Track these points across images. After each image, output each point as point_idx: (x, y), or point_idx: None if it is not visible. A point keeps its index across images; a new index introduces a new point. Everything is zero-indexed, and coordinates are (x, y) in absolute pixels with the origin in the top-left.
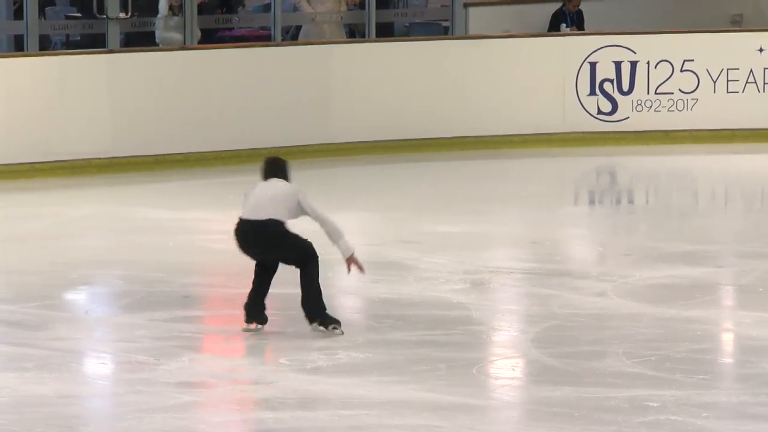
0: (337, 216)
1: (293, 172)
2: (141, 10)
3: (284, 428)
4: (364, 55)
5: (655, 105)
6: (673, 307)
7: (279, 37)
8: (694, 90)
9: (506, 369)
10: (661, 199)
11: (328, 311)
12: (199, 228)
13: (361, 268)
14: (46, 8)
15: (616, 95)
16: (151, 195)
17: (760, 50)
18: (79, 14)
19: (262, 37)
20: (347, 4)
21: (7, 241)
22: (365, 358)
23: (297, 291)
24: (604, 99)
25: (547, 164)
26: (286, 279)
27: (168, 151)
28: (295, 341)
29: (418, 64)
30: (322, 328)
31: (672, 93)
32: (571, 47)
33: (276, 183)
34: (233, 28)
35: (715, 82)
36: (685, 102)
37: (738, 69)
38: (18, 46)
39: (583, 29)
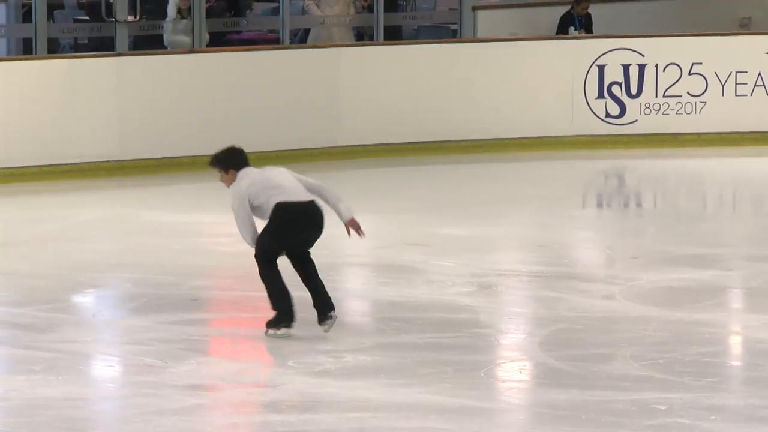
0: None
1: (303, 175)
2: (149, 13)
3: (291, 431)
4: (373, 58)
5: (663, 108)
6: (681, 310)
7: (287, 40)
8: (703, 93)
9: (514, 372)
10: (669, 202)
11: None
12: (207, 231)
13: (359, 231)
14: (55, 12)
15: (625, 98)
16: (159, 198)
17: None
18: (88, 17)
19: (270, 40)
20: (356, 8)
21: (16, 244)
22: (372, 360)
23: (302, 293)
24: (613, 102)
25: (555, 167)
26: (290, 281)
27: (176, 154)
28: (302, 344)
29: (426, 67)
30: (336, 314)
31: (680, 96)
32: (580, 50)
33: (274, 168)
34: (241, 32)
35: (723, 85)
36: (694, 105)
37: (746, 72)
38: (26, 50)
39: (592, 32)
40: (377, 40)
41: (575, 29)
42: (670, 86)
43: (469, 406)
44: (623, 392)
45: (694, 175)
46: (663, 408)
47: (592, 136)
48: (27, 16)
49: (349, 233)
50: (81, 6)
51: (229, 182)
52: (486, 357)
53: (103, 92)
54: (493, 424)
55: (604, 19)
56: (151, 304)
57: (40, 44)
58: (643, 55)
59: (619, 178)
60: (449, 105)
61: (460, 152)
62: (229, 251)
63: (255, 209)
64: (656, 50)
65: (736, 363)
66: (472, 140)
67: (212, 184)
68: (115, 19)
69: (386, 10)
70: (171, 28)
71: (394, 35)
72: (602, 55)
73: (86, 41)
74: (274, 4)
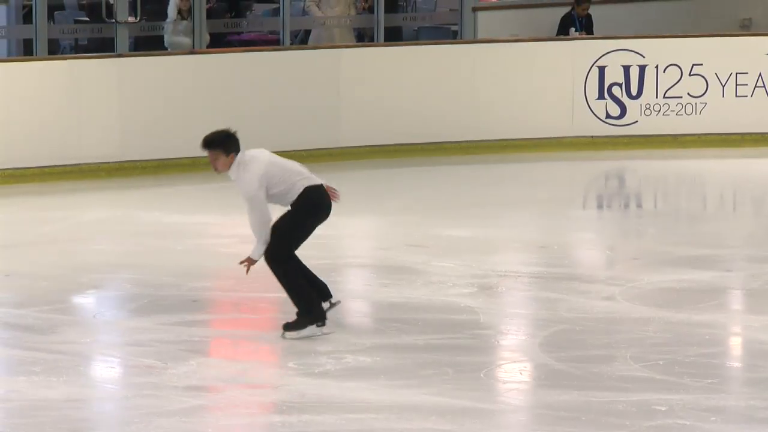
0: (346, 220)
1: None
2: (150, 14)
3: None
4: (373, 59)
5: (663, 109)
6: (681, 311)
7: (288, 41)
8: (703, 94)
9: (514, 373)
10: (669, 203)
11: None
12: (208, 232)
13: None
14: (55, 12)
15: (625, 99)
16: (160, 199)
17: None
18: (88, 19)
19: (270, 42)
20: (356, 9)
21: (17, 245)
22: (373, 361)
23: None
24: (613, 103)
25: (556, 168)
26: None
27: (177, 155)
28: (302, 345)
29: (426, 68)
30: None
31: (681, 97)
32: (580, 51)
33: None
34: (242, 33)
35: (723, 86)
36: (694, 106)
37: (747, 73)
38: (27, 51)
39: (592, 33)
40: (378, 41)
41: (576, 30)
42: (671, 87)
43: (469, 407)
44: (623, 393)
45: (694, 176)
46: (663, 409)
47: (592, 137)
48: (27, 17)
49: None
50: (81, 7)
51: (226, 166)
52: (486, 358)
53: (103, 93)
54: (493, 425)
55: (605, 20)
56: (151, 305)
57: (41, 45)
58: (643, 56)
59: (619, 179)
60: (449, 106)
61: (461, 153)
62: (229, 252)
63: (271, 196)
64: (657, 51)
65: (737, 364)
66: (473, 141)
67: (213, 185)
68: (115, 20)
69: (387, 11)
70: (171, 29)
71: (394, 36)
72: (603, 56)
73: (86, 42)
74: (275, 5)
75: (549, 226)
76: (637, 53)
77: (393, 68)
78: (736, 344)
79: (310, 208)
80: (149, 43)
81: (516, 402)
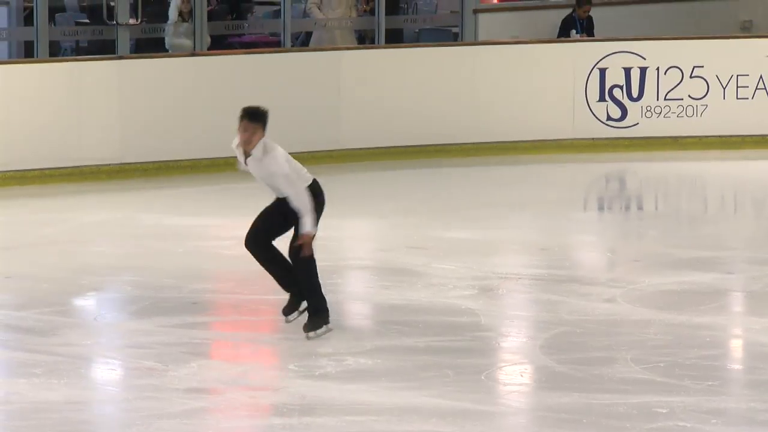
0: (347, 222)
1: None
2: (151, 16)
3: None
4: (374, 61)
5: (664, 111)
6: (682, 313)
7: (288, 43)
8: (704, 96)
9: (515, 375)
10: (670, 205)
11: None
12: (209, 234)
13: None
14: (56, 14)
15: (626, 101)
16: (161, 201)
17: None
18: (89, 20)
19: (271, 44)
20: (357, 11)
21: (17, 247)
22: (374, 364)
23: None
24: (614, 105)
25: (556, 170)
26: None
27: (178, 157)
28: (303, 347)
29: (427, 70)
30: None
31: (681, 99)
32: (581, 53)
33: None
34: (243, 35)
35: (724, 88)
36: (695, 108)
37: (748, 75)
38: (28, 53)
39: (593, 35)
40: (379, 43)
41: (577, 32)
42: (672, 89)
43: (470, 410)
44: (624, 395)
45: (695, 178)
46: (664, 411)
47: (593, 139)
48: (28, 19)
49: None
50: (82, 9)
51: (253, 144)
52: (487, 360)
53: (104, 95)
54: (494, 428)
55: (606, 22)
56: (152, 307)
57: (42, 47)
58: (644, 58)
59: (620, 181)
60: (450, 108)
61: (462, 155)
62: (230, 254)
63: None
64: (657, 53)
65: (738, 366)
66: (474, 143)
67: (214, 187)
68: (116, 22)
69: (388, 13)
70: (172, 31)
71: (395, 38)
72: (603, 58)
73: (87, 44)
74: (276, 7)
75: (550, 228)
76: (638, 55)
77: (394, 70)
78: (736, 346)
79: (320, 200)
80: (150, 45)
81: (517, 404)
